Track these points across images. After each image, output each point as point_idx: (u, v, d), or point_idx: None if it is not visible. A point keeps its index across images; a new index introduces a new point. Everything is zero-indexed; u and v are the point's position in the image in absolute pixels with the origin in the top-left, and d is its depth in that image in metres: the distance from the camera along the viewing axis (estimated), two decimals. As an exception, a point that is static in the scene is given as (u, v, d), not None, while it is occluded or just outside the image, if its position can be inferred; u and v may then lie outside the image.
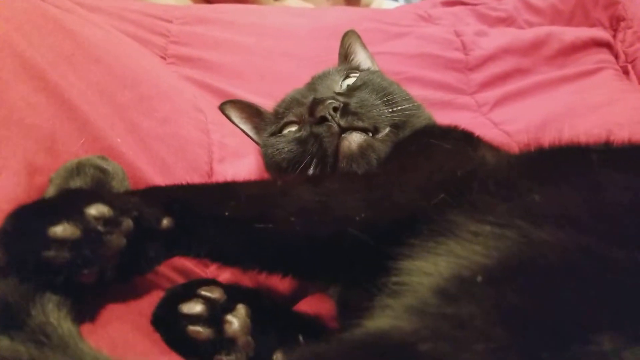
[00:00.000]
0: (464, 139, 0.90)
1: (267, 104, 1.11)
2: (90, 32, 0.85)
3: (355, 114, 0.86)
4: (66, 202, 0.50)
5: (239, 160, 0.91)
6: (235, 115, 1.09)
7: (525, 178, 0.51)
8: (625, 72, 1.92)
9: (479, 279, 0.38)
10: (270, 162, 0.96)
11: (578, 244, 0.38)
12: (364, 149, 0.84)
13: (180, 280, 0.69)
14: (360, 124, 0.85)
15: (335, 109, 0.85)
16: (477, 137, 0.95)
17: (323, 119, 0.86)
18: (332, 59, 1.29)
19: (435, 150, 0.79)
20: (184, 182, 0.64)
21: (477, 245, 0.42)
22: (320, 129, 0.86)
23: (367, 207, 0.58)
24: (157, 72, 0.93)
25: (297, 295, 0.82)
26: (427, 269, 0.43)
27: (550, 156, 0.57)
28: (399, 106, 0.92)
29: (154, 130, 0.81)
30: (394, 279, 0.47)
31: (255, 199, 0.60)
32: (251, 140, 1.05)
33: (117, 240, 0.50)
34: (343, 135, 0.85)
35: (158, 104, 0.85)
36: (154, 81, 0.88)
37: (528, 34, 1.84)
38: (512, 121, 1.55)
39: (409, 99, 0.99)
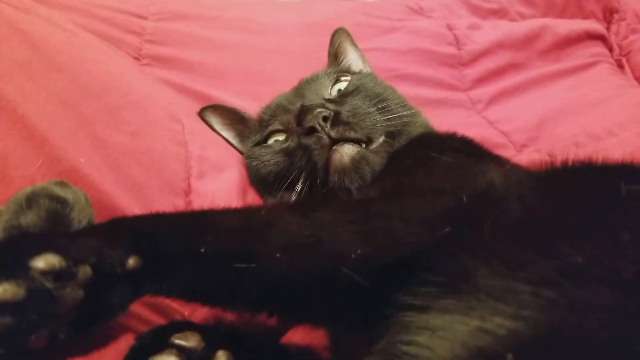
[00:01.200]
0: (465, 150, 0.83)
1: (254, 106, 1.03)
2: (51, 35, 0.76)
3: (347, 123, 0.79)
4: (7, 253, 0.42)
5: (221, 174, 0.83)
6: (216, 122, 1.01)
7: (551, 218, 0.44)
8: (620, 66, 1.89)
9: (510, 357, 0.31)
10: (254, 175, 0.89)
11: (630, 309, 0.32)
12: (357, 162, 0.78)
13: (153, 317, 0.62)
14: (352, 134, 0.78)
15: (325, 119, 0.78)
16: (478, 145, 0.89)
17: (312, 130, 0.78)
18: (322, 56, 1.22)
19: (436, 166, 0.73)
20: (154, 211, 0.56)
21: (504, 306, 0.35)
22: (309, 140, 0.79)
23: (363, 241, 0.51)
24: (129, 78, 0.85)
25: (286, 324, 0.75)
26: (443, 333, 0.37)
27: (577, 188, 0.49)
28: (394, 113, 0.85)
29: (124, 145, 0.73)
30: (400, 336, 0.41)
31: (236, 232, 0.53)
32: (234, 150, 0.97)
33: (72, 294, 0.43)
34: (334, 147, 0.78)
35: (129, 115, 0.77)
36: (125, 89, 0.80)
37: (522, 28, 1.79)
38: (508, 120, 1.49)
39: (404, 104, 0.92)
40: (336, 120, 0.79)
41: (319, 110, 0.79)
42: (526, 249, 0.42)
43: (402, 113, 0.86)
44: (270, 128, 0.90)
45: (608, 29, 1.96)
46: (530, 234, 0.44)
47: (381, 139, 0.83)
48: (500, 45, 1.69)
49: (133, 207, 0.70)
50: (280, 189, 0.84)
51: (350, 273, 0.49)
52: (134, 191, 0.71)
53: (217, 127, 1.01)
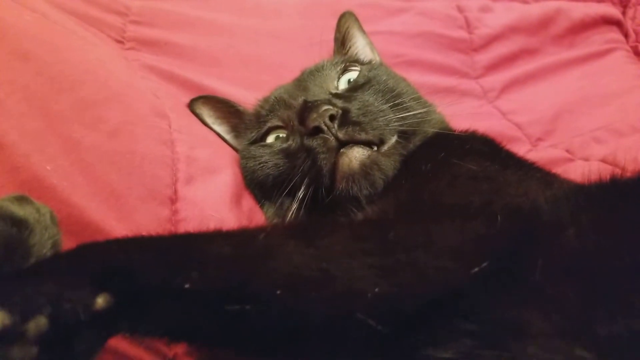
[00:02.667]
0: (489, 153, 0.74)
1: (250, 97, 0.93)
2: (17, 17, 0.66)
3: (357, 123, 0.69)
4: None
5: (212, 177, 0.74)
6: (208, 115, 0.91)
7: (626, 260, 0.35)
8: (636, 53, 1.80)
9: None
10: (251, 177, 0.80)
11: None
12: (367, 167, 0.69)
13: (136, 354, 0.53)
14: (363, 136, 0.69)
15: (332, 118, 0.69)
16: (501, 146, 0.80)
17: (317, 130, 0.69)
18: (326, 40, 1.11)
19: (459, 175, 0.64)
20: (134, 224, 0.47)
21: None
22: (313, 142, 0.70)
23: (382, 278, 0.42)
24: (108, 66, 0.74)
25: None
26: None
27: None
28: (410, 111, 0.76)
29: (100, 147, 0.63)
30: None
31: (227, 264, 0.44)
32: (228, 147, 0.87)
33: (22, 354, 0.34)
34: (342, 150, 0.69)
35: (107, 111, 0.67)
36: (103, 80, 0.70)
37: (535, 11, 1.70)
38: (522, 111, 1.41)
39: (419, 99, 0.83)
40: (345, 119, 0.70)
41: (325, 107, 0.70)
42: (595, 301, 0.34)
43: (418, 111, 0.76)
44: (269, 124, 0.81)
45: (624, 13, 1.87)
46: (597, 279, 0.36)
47: (394, 139, 0.73)
48: (513, 30, 1.60)
49: (109, 220, 0.60)
50: (280, 195, 0.75)
51: (366, 318, 0.40)
52: (110, 202, 0.62)
53: (209, 120, 0.91)
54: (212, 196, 0.71)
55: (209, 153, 0.77)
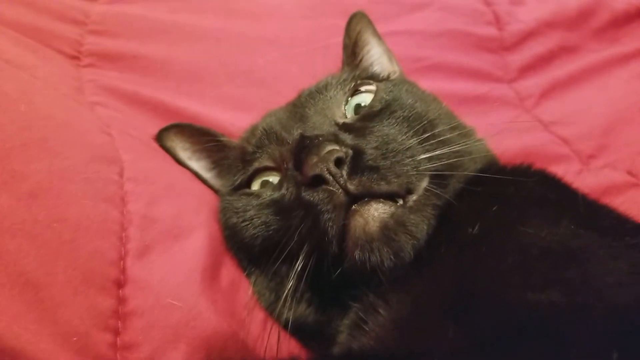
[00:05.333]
0: (559, 203, 0.54)
1: (240, 120, 0.74)
2: None
3: (373, 168, 0.50)
4: None
5: (178, 244, 0.54)
6: (182, 149, 0.71)
7: None
8: (687, 47, 1.55)
9: None
10: (232, 236, 0.60)
11: None
12: (390, 230, 0.50)
13: None
14: (383, 186, 0.50)
15: (339, 162, 0.49)
16: (571, 188, 0.60)
17: (318, 180, 0.49)
18: (332, 44, 0.92)
19: (526, 249, 0.44)
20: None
21: None
22: (314, 196, 0.50)
23: None
24: (35, 98, 0.55)
25: None
26: None
27: None
28: (446, 145, 0.55)
29: (13, 216, 0.45)
30: None
31: None
32: (205, 195, 0.67)
33: None
34: (354, 206, 0.50)
35: (25, 162, 0.48)
36: (23, 119, 0.50)
37: (572, 1, 1.49)
38: (567, 121, 1.19)
39: (455, 125, 0.62)
40: (357, 163, 0.50)
41: (330, 147, 0.50)
42: None
43: (456, 144, 0.56)
44: (256, 165, 0.61)
45: (673, 1, 1.64)
46: None
47: (424, 184, 0.53)
48: (549, 25, 1.40)
49: (25, 324, 0.42)
50: (273, 264, 0.55)
51: None
52: (26, 296, 0.43)
53: (184, 155, 0.71)
54: (176, 273, 0.51)
55: (175, 208, 0.57)
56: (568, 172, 1.05)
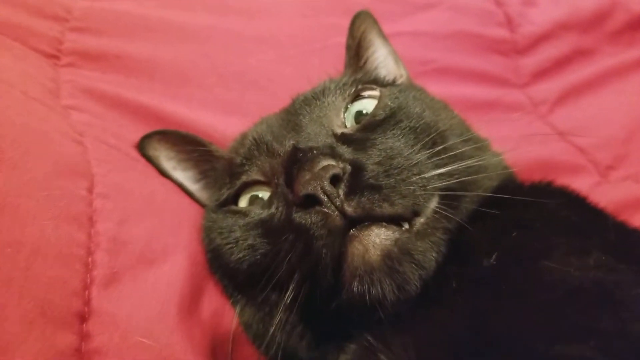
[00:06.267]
0: (584, 228, 0.47)
1: (232, 126, 0.68)
2: None
3: (375, 188, 0.43)
4: None
5: (152, 270, 0.47)
6: (166, 158, 0.65)
7: None
8: None
9: None
10: (216, 259, 0.54)
11: None
12: (394, 259, 0.44)
13: None
14: (386, 208, 0.43)
15: (335, 179, 0.43)
16: (597, 209, 0.53)
17: (311, 200, 0.43)
18: (331, 45, 0.86)
19: (551, 287, 0.38)
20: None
21: None
22: (306, 218, 0.44)
23: None
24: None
25: None
26: None
27: None
28: (458, 160, 0.49)
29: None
30: None
31: None
32: (187, 210, 0.60)
33: None
34: (352, 231, 0.43)
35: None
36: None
37: (587, 3, 1.43)
38: (584, 129, 1.13)
39: (468, 136, 0.56)
40: (356, 181, 0.44)
41: (324, 162, 0.43)
42: None
43: (469, 159, 0.49)
44: (244, 178, 0.55)
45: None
46: None
47: (433, 205, 0.46)
48: (563, 26, 1.34)
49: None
50: (261, 292, 0.49)
51: None
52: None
53: (168, 166, 0.65)
54: (148, 305, 0.45)
55: (151, 227, 0.51)
56: (586, 185, 0.99)
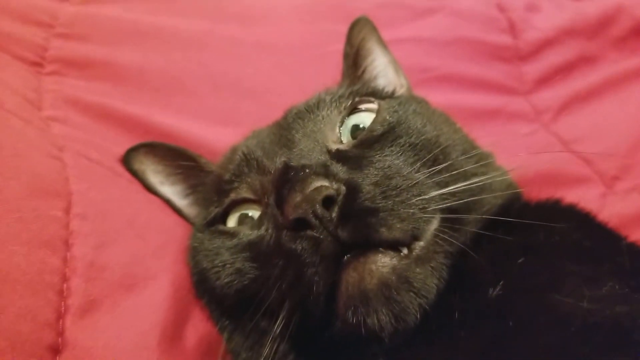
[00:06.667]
0: (598, 254, 0.44)
1: (225, 137, 0.65)
2: None
3: (372, 211, 0.40)
4: None
5: (131, 298, 0.44)
6: (153, 172, 0.62)
7: None
8: None
9: None
10: (202, 283, 0.50)
11: None
12: (393, 288, 0.40)
13: None
14: (383, 233, 0.40)
15: (328, 201, 0.39)
16: (610, 230, 0.50)
17: (302, 224, 0.39)
18: (331, 52, 0.84)
19: (564, 324, 0.35)
20: None
21: None
22: (297, 243, 0.40)
23: None
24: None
25: None
26: None
27: None
28: (462, 180, 0.45)
29: None
30: None
31: None
32: (174, 228, 0.57)
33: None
34: (347, 257, 0.40)
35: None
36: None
37: (592, 9, 1.41)
38: (588, 138, 1.10)
39: (471, 152, 0.52)
40: (351, 203, 0.40)
41: (317, 184, 0.40)
42: None
43: (473, 177, 0.46)
44: (233, 196, 0.51)
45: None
46: None
47: (432, 226, 0.43)
48: (568, 33, 1.31)
49: None
50: (250, 319, 0.45)
51: None
52: None
53: (155, 180, 0.61)
54: (126, 336, 0.41)
55: (133, 249, 0.47)
56: (591, 196, 0.95)
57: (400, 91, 0.65)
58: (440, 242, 0.44)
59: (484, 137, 0.67)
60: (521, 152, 0.94)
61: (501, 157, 0.65)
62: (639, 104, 1.18)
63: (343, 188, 0.41)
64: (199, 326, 0.49)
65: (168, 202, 0.61)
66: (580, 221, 0.50)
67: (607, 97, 1.20)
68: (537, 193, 0.61)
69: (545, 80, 1.20)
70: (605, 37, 1.32)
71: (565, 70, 1.23)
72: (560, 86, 1.20)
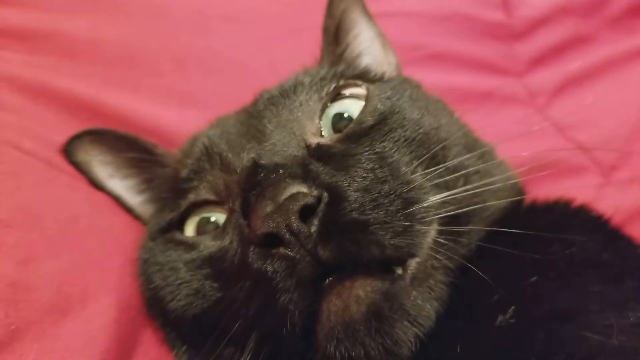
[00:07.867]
0: (613, 270, 0.37)
1: (188, 121, 0.57)
2: None
3: (360, 225, 0.32)
4: None
5: (66, 324, 0.36)
6: (101, 164, 0.53)
7: None
8: None
9: None
10: (154, 302, 0.42)
11: None
12: (384, 317, 0.33)
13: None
14: (373, 251, 0.32)
15: (306, 211, 0.31)
16: (621, 235, 0.44)
17: (274, 240, 0.31)
18: (311, 28, 0.72)
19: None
20: None
21: None
22: (266, 264, 0.32)
23: None
24: None
25: None
26: None
27: None
28: (463, 181, 0.38)
29: None
30: None
31: None
32: (124, 230, 0.48)
33: None
34: (329, 280, 0.33)
35: None
36: None
37: None
38: (584, 124, 1.05)
39: (472, 145, 0.45)
40: (335, 214, 0.33)
41: (293, 190, 0.33)
42: None
43: (478, 183, 0.39)
44: (192, 198, 0.43)
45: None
46: None
47: (429, 237, 0.36)
48: (563, 10, 1.26)
49: None
50: (212, 348, 0.38)
51: None
52: None
53: (102, 173, 0.52)
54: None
55: (68, 263, 0.39)
56: (588, 186, 0.90)
57: (389, 70, 0.57)
58: (438, 256, 0.36)
59: (477, 122, 0.60)
60: (517, 141, 0.88)
61: (493, 141, 0.59)
62: (635, 86, 1.13)
63: (325, 195, 0.33)
64: (150, 351, 0.41)
65: (118, 200, 0.53)
66: (594, 228, 0.43)
67: (601, 79, 1.15)
68: (534, 185, 0.55)
69: (538, 60, 1.14)
70: (600, 16, 1.26)
71: (559, 50, 1.18)
72: (554, 67, 1.15)
